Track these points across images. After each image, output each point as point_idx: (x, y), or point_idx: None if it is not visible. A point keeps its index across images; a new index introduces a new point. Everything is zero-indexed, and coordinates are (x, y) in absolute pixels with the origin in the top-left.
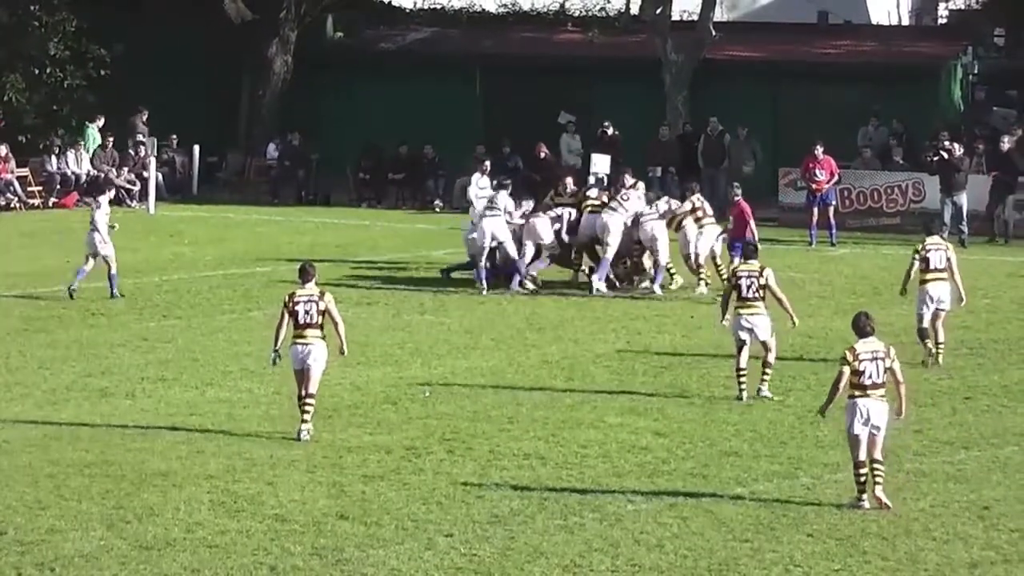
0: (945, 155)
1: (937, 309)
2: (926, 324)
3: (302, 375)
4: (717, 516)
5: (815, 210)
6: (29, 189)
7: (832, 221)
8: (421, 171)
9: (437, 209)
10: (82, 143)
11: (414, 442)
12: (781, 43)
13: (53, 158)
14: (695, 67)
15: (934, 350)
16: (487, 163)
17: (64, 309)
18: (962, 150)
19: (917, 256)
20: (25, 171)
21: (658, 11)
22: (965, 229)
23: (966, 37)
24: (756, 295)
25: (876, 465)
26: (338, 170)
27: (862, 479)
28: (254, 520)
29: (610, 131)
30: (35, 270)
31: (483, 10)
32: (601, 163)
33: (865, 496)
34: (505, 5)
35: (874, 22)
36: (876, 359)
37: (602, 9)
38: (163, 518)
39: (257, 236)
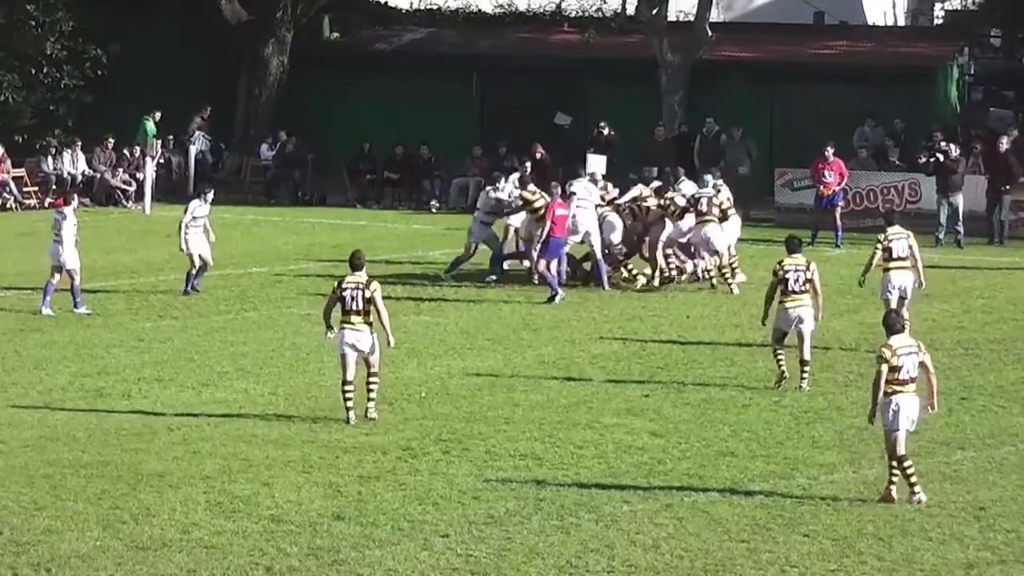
0: (941, 156)
1: (900, 296)
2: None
3: (345, 360)
4: (713, 516)
5: (820, 210)
6: (25, 189)
7: (838, 223)
8: (417, 172)
9: (433, 210)
10: (146, 138)
11: (410, 443)
12: (777, 44)
13: (49, 158)
14: (691, 67)
15: None
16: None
17: (59, 309)
18: (958, 151)
19: (879, 246)
20: (21, 171)
21: (654, 12)
22: (961, 230)
23: (962, 38)
24: (803, 288)
25: (905, 465)
26: (335, 171)
27: (909, 472)
28: (250, 520)
29: (606, 131)
30: (31, 270)
31: (479, 10)
32: (597, 164)
33: (919, 488)
34: (501, 5)
35: (870, 23)
36: (910, 354)
37: (598, 10)
38: (159, 518)
39: (253, 237)
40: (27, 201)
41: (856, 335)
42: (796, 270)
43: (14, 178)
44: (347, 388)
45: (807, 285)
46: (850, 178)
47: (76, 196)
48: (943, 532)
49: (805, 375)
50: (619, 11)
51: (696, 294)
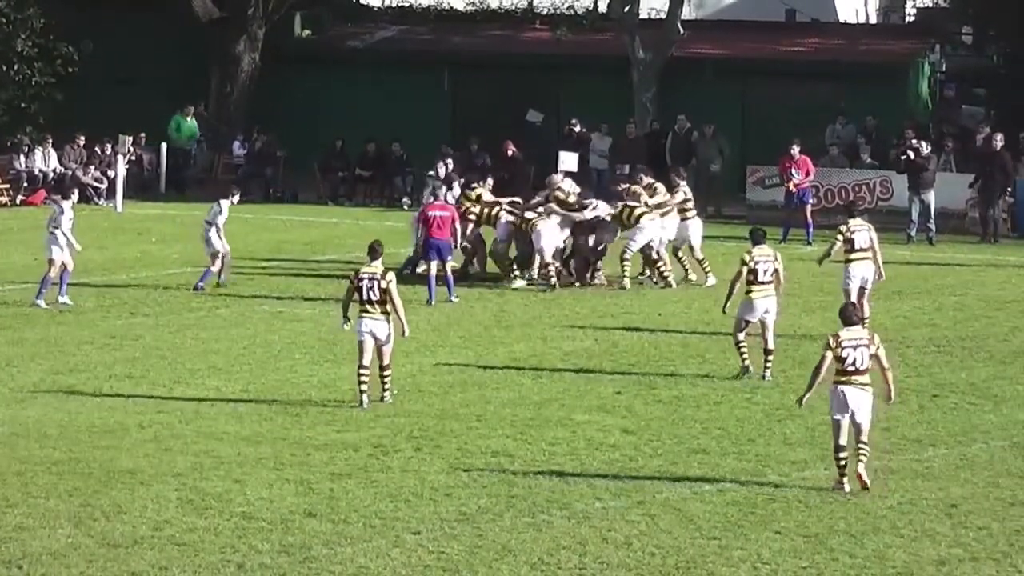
0: (911, 153)
1: (861, 287)
2: (853, 300)
3: (363, 346)
4: (685, 513)
5: (791, 208)
6: None
7: (809, 220)
8: (389, 169)
9: (405, 207)
10: (179, 136)
11: (382, 440)
12: (749, 41)
13: (21, 156)
14: (663, 65)
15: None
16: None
17: (31, 307)
18: (929, 148)
19: (841, 236)
20: None
21: (626, 9)
22: (933, 227)
23: (933, 35)
24: (771, 279)
25: (861, 445)
26: (307, 168)
27: (842, 463)
28: (222, 518)
29: (578, 129)
30: (1, 268)
31: (451, 8)
32: (569, 161)
33: (846, 479)
34: (473, 3)
35: (842, 20)
36: (859, 346)
37: (570, 7)
38: (131, 516)
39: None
40: None
41: (828, 331)
42: (766, 261)
43: None
44: (363, 373)
45: (774, 275)
46: (822, 175)
47: (76, 190)
48: (914, 529)
49: (769, 364)
50: (591, 8)
51: (667, 291)
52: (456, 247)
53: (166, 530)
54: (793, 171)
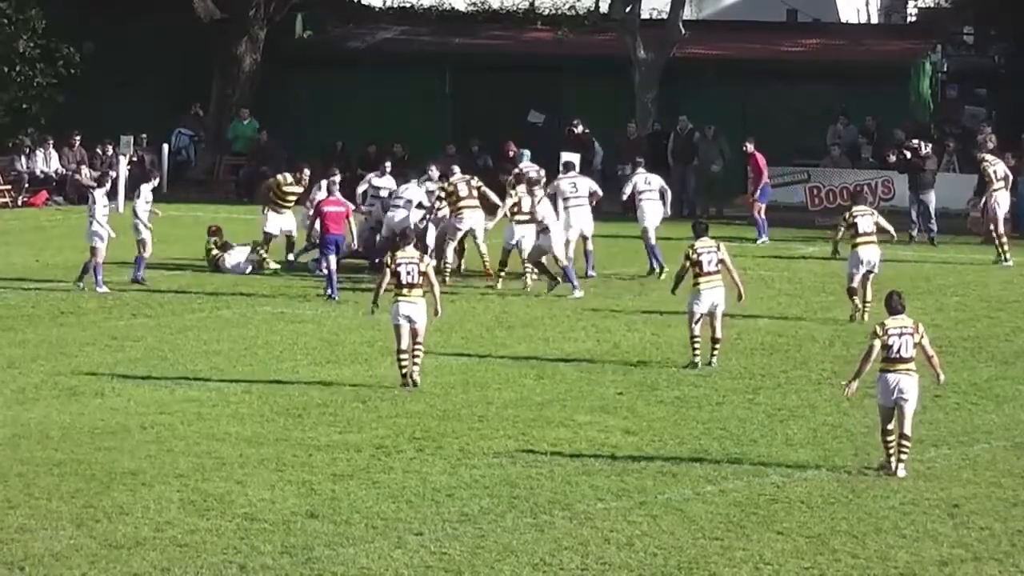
0: (908, 153)
1: (867, 271)
2: (855, 284)
3: (399, 330)
4: (687, 514)
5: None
6: None
7: (761, 216)
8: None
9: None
10: (234, 137)
11: (384, 441)
12: (750, 42)
13: (23, 157)
14: (664, 65)
15: (861, 307)
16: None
17: (33, 308)
18: (929, 148)
19: (844, 223)
20: None
21: (627, 10)
22: (934, 227)
23: (935, 35)
24: (716, 268)
25: (903, 441)
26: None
27: (890, 446)
28: (224, 519)
29: (579, 129)
30: (3, 269)
31: (452, 9)
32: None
33: (893, 459)
34: (475, 4)
35: (843, 20)
36: (904, 334)
37: (571, 8)
38: (133, 517)
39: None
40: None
41: (830, 333)
42: (708, 252)
43: None
44: (402, 356)
45: (719, 265)
46: (823, 176)
47: (109, 179)
48: (917, 529)
49: (716, 351)
50: (592, 9)
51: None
52: (351, 242)
53: (168, 531)
54: (748, 169)
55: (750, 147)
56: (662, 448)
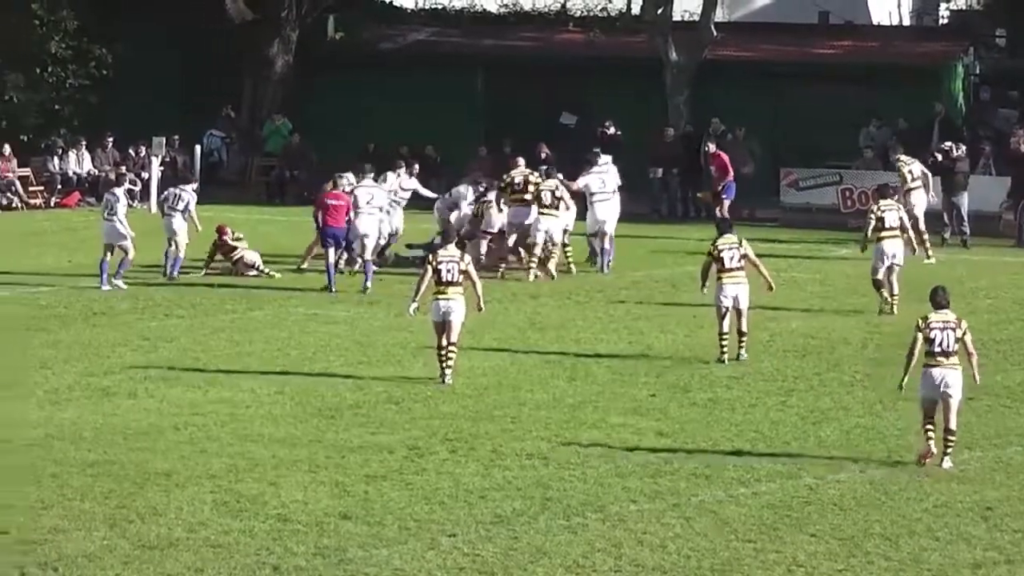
0: (939, 155)
1: (892, 264)
2: (880, 276)
3: (442, 327)
4: (720, 516)
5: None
6: (31, 189)
7: (724, 214)
8: (422, 171)
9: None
10: (266, 138)
11: (417, 442)
12: (782, 43)
13: (55, 158)
14: (696, 67)
15: (890, 299)
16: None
17: (65, 309)
18: (961, 151)
19: (873, 216)
20: (27, 171)
21: (659, 11)
22: (967, 229)
23: (967, 37)
24: (739, 265)
25: (949, 435)
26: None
27: (930, 436)
28: (257, 520)
29: (611, 131)
30: (36, 270)
31: (484, 10)
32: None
33: (932, 443)
34: (506, 5)
35: (875, 22)
36: (947, 328)
37: (603, 9)
38: (166, 518)
39: (258, 236)
40: (32, 201)
41: (863, 335)
42: (730, 248)
43: (19, 177)
44: (442, 352)
45: (742, 261)
46: (855, 178)
47: (127, 178)
48: (950, 532)
49: (742, 344)
50: (624, 11)
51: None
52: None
53: (201, 532)
54: (712, 168)
55: (712, 147)
56: (695, 450)
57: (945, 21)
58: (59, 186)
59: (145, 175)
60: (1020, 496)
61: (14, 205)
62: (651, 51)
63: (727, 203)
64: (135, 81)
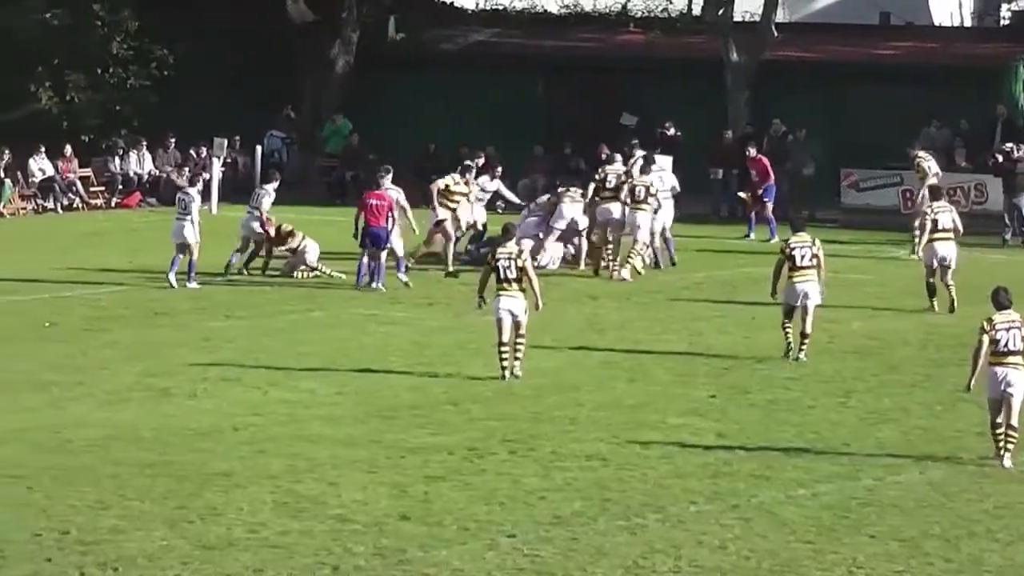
0: (1000, 156)
1: (942, 266)
2: (932, 280)
3: (501, 323)
4: (779, 517)
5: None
6: (92, 189)
7: (769, 215)
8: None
9: (499, 210)
10: (326, 138)
11: (476, 443)
12: (843, 44)
13: (116, 159)
14: (756, 68)
15: (948, 298)
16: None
17: (125, 310)
18: (1023, 151)
19: (928, 218)
20: (88, 171)
21: (720, 12)
22: None
23: None
24: (810, 263)
25: (1010, 432)
26: (400, 171)
27: (999, 440)
28: (316, 520)
29: (671, 131)
30: (97, 270)
31: (544, 11)
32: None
33: (1003, 451)
34: (567, 6)
35: (936, 23)
36: (1012, 328)
37: (664, 10)
38: (225, 518)
39: (318, 237)
40: (93, 201)
41: (922, 336)
42: (802, 247)
43: (81, 178)
44: (503, 349)
45: (813, 260)
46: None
47: (201, 178)
48: (1010, 533)
49: (804, 347)
50: (684, 11)
51: (763, 295)
52: (392, 234)
53: (261, 532)
54: (752, 172)
55: (753, 151)
56: (754, 451)
57: (1007, 22)
58: (120, 186)
59: (206, 176)
60: None
61: (75, 205)
62: (711, 52)
63: (769, 206)
64: (195, 81)
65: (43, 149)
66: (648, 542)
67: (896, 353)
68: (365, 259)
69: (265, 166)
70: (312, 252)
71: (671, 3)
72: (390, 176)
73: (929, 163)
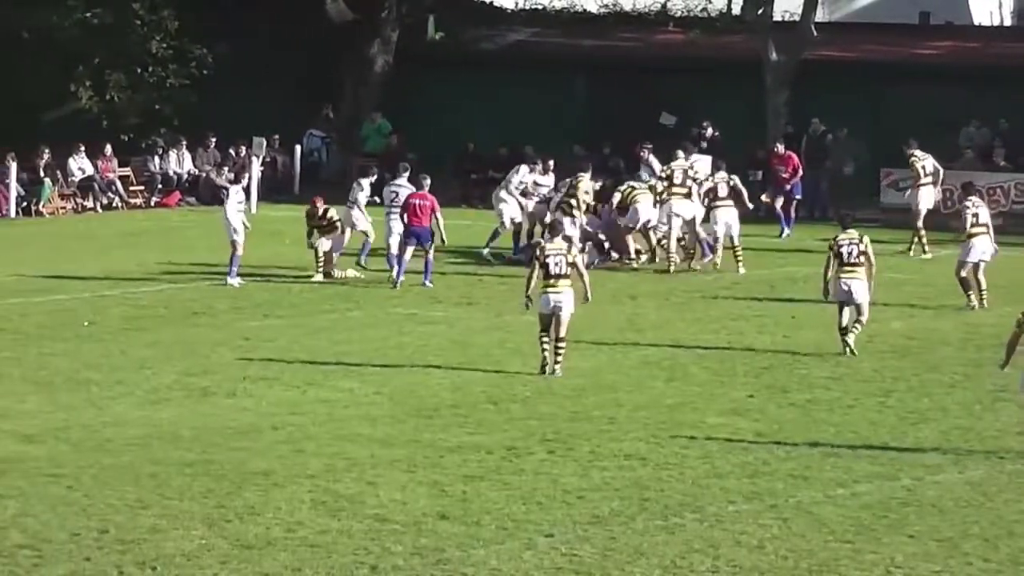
0: None
1: (980, 260)
2: (965, 273)
3: (549, 319)
4: (818, 517)
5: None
6: (131, 189)
7: (791, 214)
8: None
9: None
10: (365, 138)
11: (515, 442)
12: (882, 43)
13: (156, 158)
14: (796, 67)
15: (977, 297)
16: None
17: (165, 309)
18: None
19: (969, 212)
20: (127, 171)
21: (760, 11)
22: None
23: None
24: (857, 260)
25: None
26: (439, 170)
27: None
28: (355, 519)
29: (709, 131)
30: (136, 269)
31: (584, 10)
32: (702, 164)
33: None
34: (606, 5)
35: (976, 22)
36: None
37: (703, 9)
38: (264, 517)
39: (356, 236)
40: (132, 200)
41: (962, 336)
42: (850, 243)
43: (120, 177)
44: (544, 340)
45: (861, 257)
46: (956, 178)
47: (245, 175)
48: None
49: (854, 333)
50: (724, 11)
51: (802, 293)
52: (437, 234)
53: (299, 531)
54: (780, 168)
55: (781, 148)
56: (793, 451)
57: None
58: (159, 186)
59: (245, 175)
60: None
61: (115, 205)
62: (751, 51)
63: (793, 204)
64: (235, 81)
65: (83, 148)
66: (686, 542)
67: (936, 353)
68: (407, 257)
69: (304, 165)
70: (340, 244)
71: (711, 2)
72: (407, 174)
73: (924, 163)
